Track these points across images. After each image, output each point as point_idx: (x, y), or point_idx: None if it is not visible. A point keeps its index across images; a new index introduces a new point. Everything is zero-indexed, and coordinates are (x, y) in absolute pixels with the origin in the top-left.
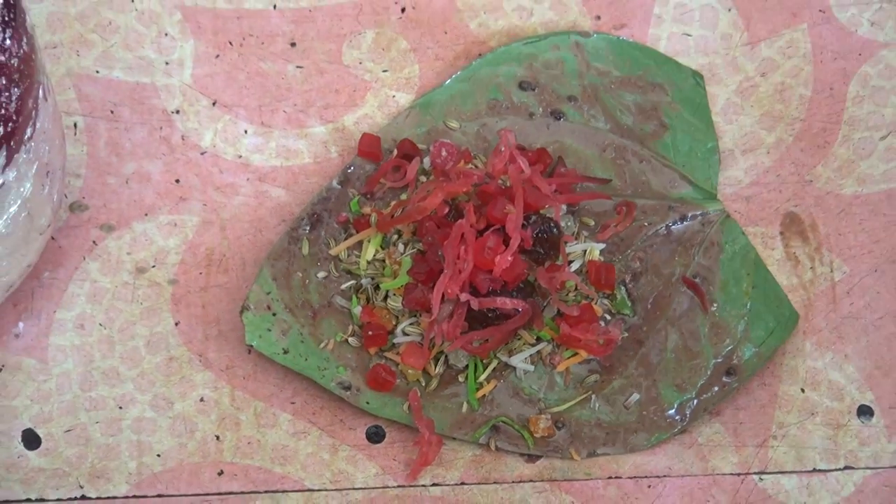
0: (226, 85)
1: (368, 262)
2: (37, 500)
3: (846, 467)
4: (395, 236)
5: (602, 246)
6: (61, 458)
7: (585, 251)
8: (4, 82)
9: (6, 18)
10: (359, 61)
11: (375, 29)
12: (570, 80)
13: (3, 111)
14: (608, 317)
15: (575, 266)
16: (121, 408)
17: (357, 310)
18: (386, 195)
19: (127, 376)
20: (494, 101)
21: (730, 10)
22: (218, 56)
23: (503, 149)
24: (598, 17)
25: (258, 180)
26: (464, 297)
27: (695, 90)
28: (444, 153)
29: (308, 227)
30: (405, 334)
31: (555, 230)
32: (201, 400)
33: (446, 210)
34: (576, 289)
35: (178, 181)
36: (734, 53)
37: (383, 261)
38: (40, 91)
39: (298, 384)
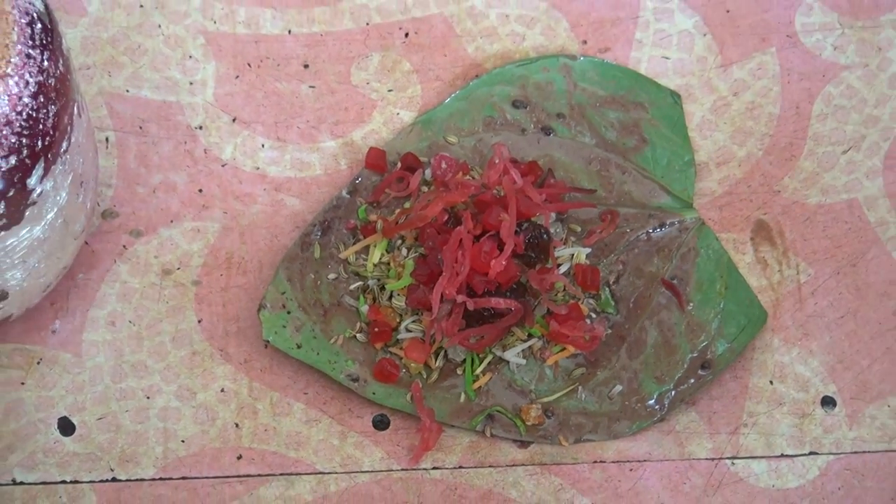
0: (245, 103)
1: (375, 265)
2: (71, 481)
3: (811, 453)
4: (399, 241)
5: (588, 250)
6: (94, 443)
7: (573, 255)
8: (42, 100)
9: (44, 42)
10: (366, 82)
11: (381, 52)
12: (558, 98)
13: (41, 126)
14: (593, 315)
15: (563, 269)
16: (148, 398)
17: (364, 308)
18: (391, 204)
19: (154, 369)
20: (490, 118)
21: (705, 35)
22: (238, 77)
23: (497, 161)
24: (585, 42)
25: (274, 190)
26: (460, 298)
27: (673, 108)
28: (443, 165)
29: (320, 233)
30: (408, 331)
31: (545, 236)
32: (222, 391)
33: (446, 218)
34: (564, 289)
35: (200, 191)
36: (709, 75)
37: (388, 264)
38: (75, 108)
39: (311, 376)
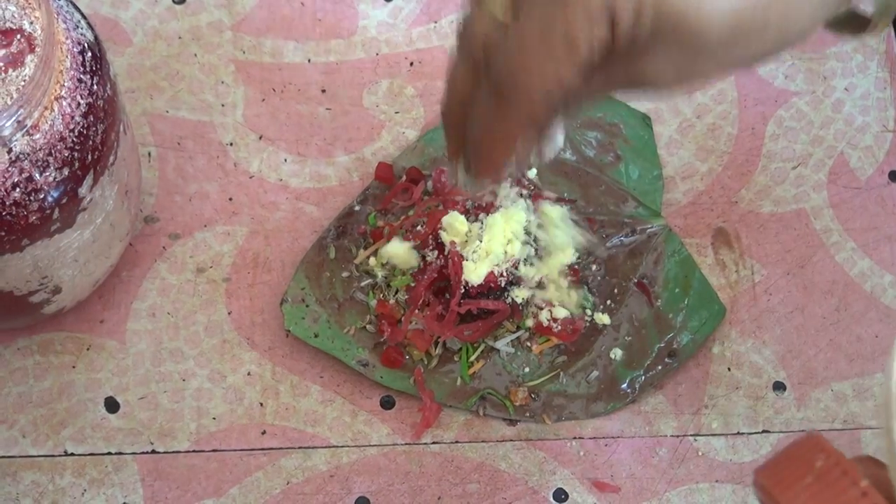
0: (270, 123)
1: (382, 265)
2: (116, 453)
3: (763, 431)
4: None
5: None
6: (136, 420)
7: None
8: (92, 119)
9: (94, 68)
10: (376, 105)
11: (389, 79)
12: None
13: (90, 142)
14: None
15: None
16: (184, 380)
17: (373, 303)
18: (397, 211)
19: (189, 355)
20: None
21: None
22: (263, 100)
23: None
24: None
25: (295, 199)
26: (450, 306)
27: (644, 129)
28: (443, 178)
29: (335, 237)
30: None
31: None
32: (248, 374)
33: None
34: None
35: (231, 199)
36: (675, 100)
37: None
38: (121, 127)
39: (326, 362)
